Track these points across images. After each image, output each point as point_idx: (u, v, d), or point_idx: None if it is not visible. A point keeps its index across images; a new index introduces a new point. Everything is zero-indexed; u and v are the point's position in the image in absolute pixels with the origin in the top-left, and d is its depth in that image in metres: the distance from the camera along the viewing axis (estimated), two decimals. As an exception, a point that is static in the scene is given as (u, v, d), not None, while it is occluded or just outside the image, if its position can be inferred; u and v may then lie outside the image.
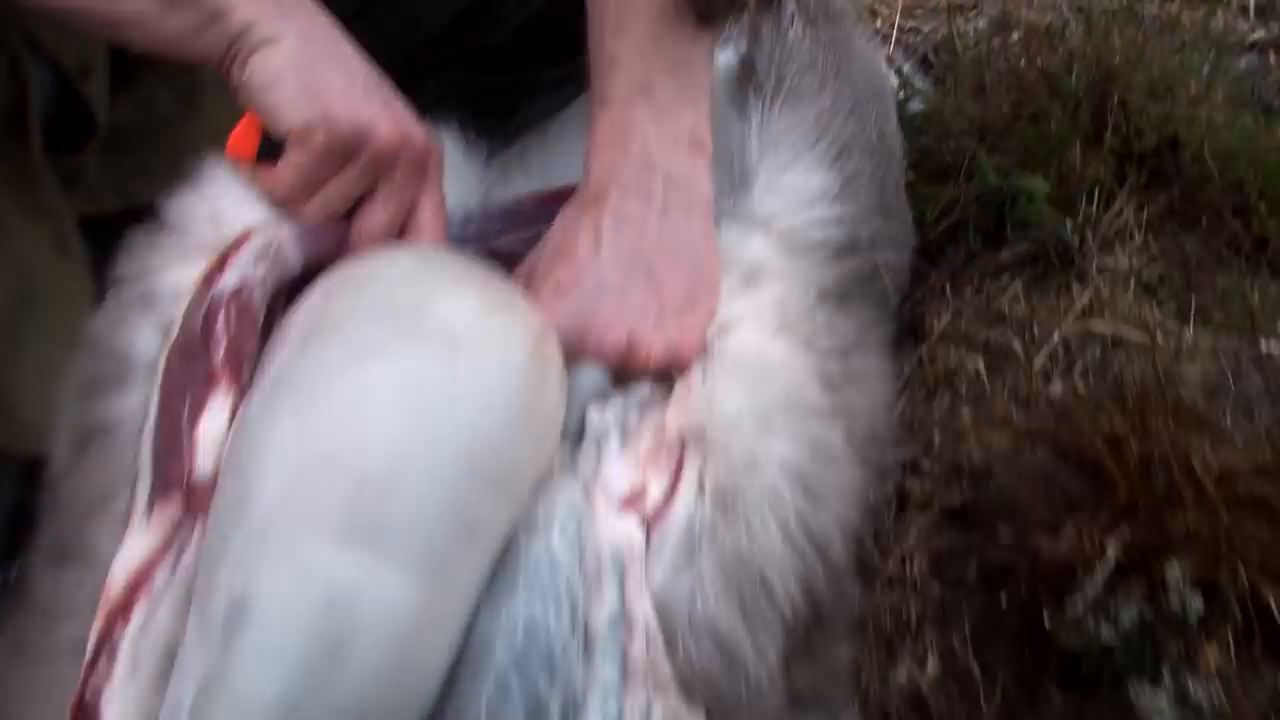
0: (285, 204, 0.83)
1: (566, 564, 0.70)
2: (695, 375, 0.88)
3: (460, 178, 1.10)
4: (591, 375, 0.85)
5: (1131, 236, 1.39)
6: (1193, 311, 1.26)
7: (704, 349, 0.88)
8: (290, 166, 0.81)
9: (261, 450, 0.67)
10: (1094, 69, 1.42)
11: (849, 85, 1.24)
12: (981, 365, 1.31)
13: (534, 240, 0.97)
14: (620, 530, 0.75)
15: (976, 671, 1.03)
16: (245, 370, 0.75)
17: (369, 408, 0.67)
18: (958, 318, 1.39)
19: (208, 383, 0.74)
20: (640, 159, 0.89)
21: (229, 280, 0.78)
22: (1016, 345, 1.30)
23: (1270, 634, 0.89)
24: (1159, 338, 1.23)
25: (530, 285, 0.89)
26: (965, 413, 1.21)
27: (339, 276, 0.78)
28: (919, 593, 1.10)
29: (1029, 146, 1.46)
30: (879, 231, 1.15)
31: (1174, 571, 0.90)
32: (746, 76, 1.12)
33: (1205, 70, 1.36)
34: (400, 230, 0.88)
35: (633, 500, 0.77)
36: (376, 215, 0.85)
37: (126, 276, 0.82)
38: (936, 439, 1.19)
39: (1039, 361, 1.26)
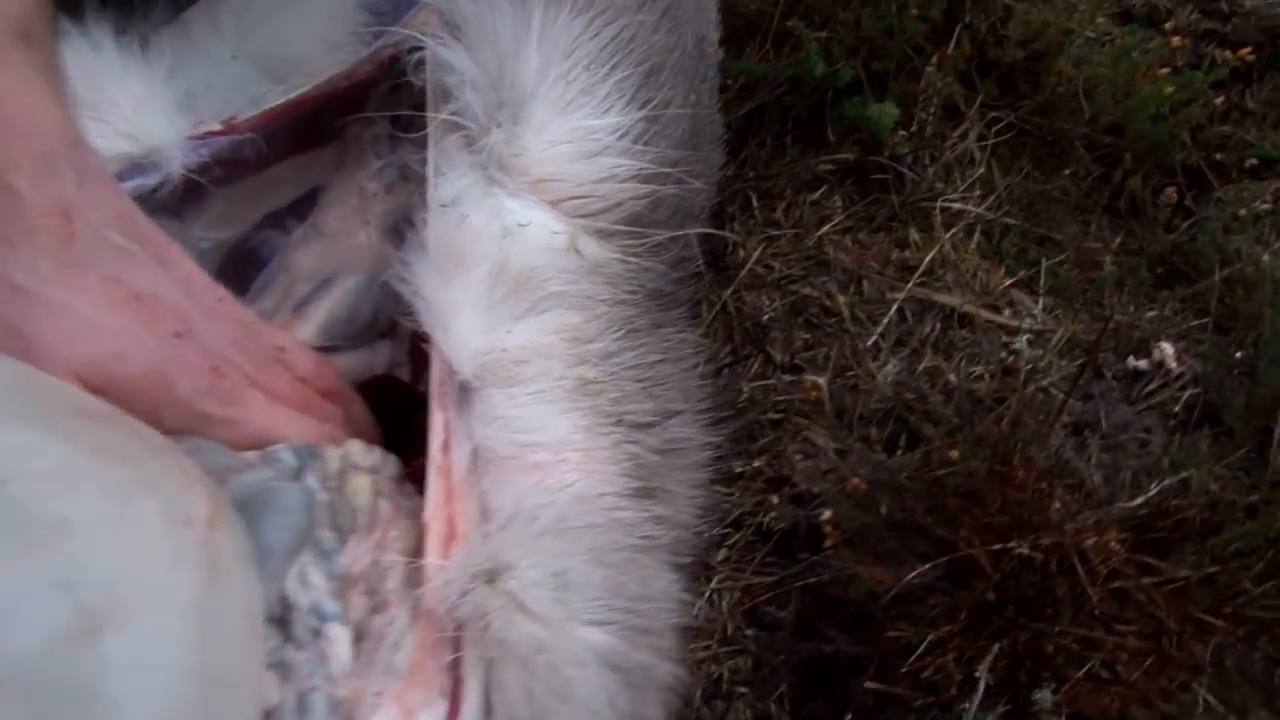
0: None
1: None
2: (459, 500, 0.60)
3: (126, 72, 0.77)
4: (287, 510, 0.55)
5: (973, 161, 1.18)
6: (1042, 282, 1.07)
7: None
8: None
9: None
10: (955, -53, 1.15)
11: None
12: (799, 326, 1.09)
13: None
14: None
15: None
16: None
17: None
18: (769, 250, 1.15)
19: None
20: None
21: None
22: (841, 302, 1.08)
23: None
24: (1006, 314, 1.05)
25: None
26: (789, 418, 0.99)
27: None
28: (729, 640, 0.91)
29: (865, 33, 1.19)
30: (688, 168, 0.87)
31: (1044, 698, 0.75)
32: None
33: (1087, -29, 1.12)
34: None
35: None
36: None
37: None
38: (757, 456, 0.97)
39: (870, 337, 1.04)
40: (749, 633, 0.92)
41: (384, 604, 0.56)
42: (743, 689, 0.90)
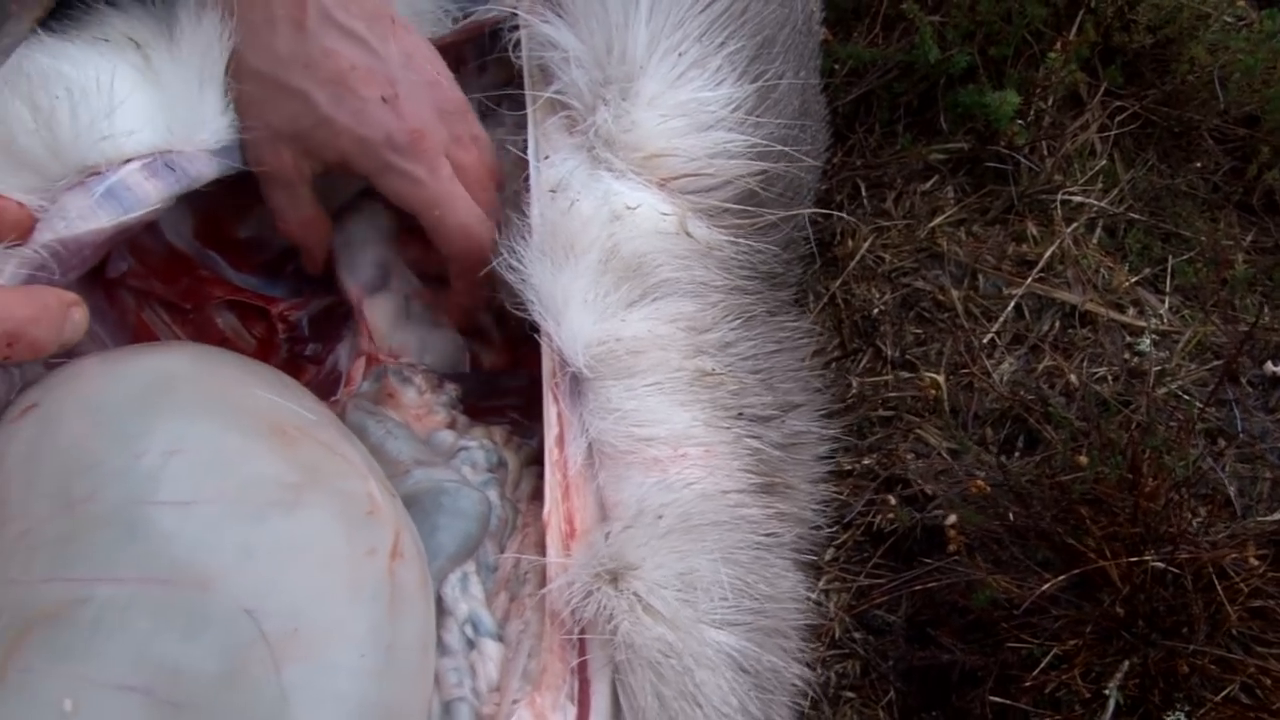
0: None
1: None
2: (576, 495, 0.58)
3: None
4: (460, 522, 0.54)
5: (1095, 153, 1.13)
6: (1169, 280, 1.02)
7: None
8: None
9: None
10: (1082, -73, 1.10)
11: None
12: (910, 320, 1.05)
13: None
14: None
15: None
16: None
17: None
18: (879, 241, 1.11)
19: None
20: None
21: None
22: (955, 296, 1.05)
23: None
24: (1130, 313, 1.00)
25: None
26: (900, 416, 0.96)
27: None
28: (836, 644, 0.88)
29: (981, 17, 1.15)
30: (799, 145, 0.84)
31: (1179, 720, 0.71)
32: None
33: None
34: None
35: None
36: None
37: None
38: (866, 454, 0.94)
39: (985, 333, 1.01)
40: (857, 636, 0.89)
41: (520, 607, 0.55)
42: (850, 694, 0.87)
